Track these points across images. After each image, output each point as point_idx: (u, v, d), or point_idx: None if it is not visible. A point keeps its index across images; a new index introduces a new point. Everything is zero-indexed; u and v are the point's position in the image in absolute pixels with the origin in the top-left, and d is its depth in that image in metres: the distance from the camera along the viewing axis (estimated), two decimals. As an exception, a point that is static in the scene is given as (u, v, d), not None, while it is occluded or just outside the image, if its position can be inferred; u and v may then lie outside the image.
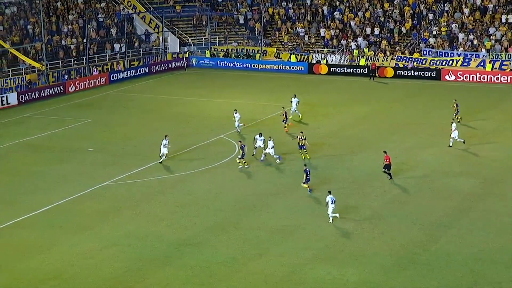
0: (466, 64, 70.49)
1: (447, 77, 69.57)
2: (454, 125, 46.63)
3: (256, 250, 31.22)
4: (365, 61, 73.24)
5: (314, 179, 39.82)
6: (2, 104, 58.67)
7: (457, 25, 74.71)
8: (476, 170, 41.98)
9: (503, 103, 59.77)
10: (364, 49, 74.96)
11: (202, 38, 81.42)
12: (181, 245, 31.83)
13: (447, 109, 57.89)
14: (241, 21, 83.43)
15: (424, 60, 71.79)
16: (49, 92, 63.01)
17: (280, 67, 75.50)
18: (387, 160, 39.70)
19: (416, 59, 72.03)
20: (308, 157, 43.46)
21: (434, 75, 70.02)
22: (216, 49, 79.54)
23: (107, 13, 78.91)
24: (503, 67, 69.04)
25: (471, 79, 68.92)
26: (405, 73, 70.91)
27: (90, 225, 34.22)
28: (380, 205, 36.73)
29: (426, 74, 70.31)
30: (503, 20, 73.84)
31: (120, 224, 34.54)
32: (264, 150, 43.22)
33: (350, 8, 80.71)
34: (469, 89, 66.00)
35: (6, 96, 59.38)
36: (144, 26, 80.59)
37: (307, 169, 37.40)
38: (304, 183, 37.59)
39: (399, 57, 72.75)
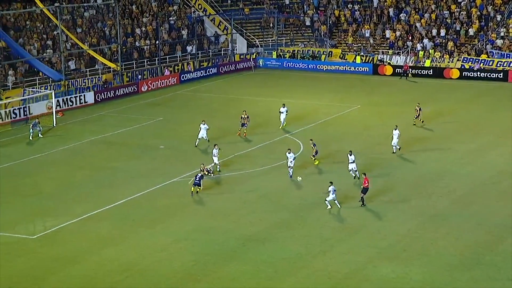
0: (533, 65, 68.91)
1: (513, 79, 68.13)
2: (396, 131, 44.75)
3: (320, 247, 31.09)
4: (431, 62, 72.23)
5: (377, 178, 39.50)
6: (80, 103, 59.79)
7: (524, 26, 73.05)
8: (542, 172, 41.01)
9: None
10: (430, 50, 73.91)
11: (269, 40, 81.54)
12: (247, 241, 31.91)
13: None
14: (308, 23, 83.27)
15: (491, 62, 70.39)
16: (123, 92, 63.96)
17: (345, 68, 75.08)
18: (366, 183, 35.87)
19: (483, 61, 70.68)
20: (317, 162, 42.52)
21: (501, 77, 68.62)
22: (282, 50, 79.57)
23: (179, 15, 79.72)
24: None
25: (538, 81, 67.38)
26: (471, 74, 69.72)
27: (161, 219, 34.61)
28: (445, 205, 36.18)
29: (493, 75, 68.97)
30: None
31: (189, 219, 34.85)
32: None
33: (416, 10, 79.69)
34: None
35: (84, 95, 60.49)
36: (213, 28, 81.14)
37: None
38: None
39: (465, 59, 71.51)
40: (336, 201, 35.19)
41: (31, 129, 49.48)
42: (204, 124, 46.41)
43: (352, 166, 39.57)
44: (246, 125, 48.86)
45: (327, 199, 35.17)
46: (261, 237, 32.21)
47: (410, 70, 71.13)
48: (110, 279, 28.53)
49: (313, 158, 42.49)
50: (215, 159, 41.25)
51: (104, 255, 30.68)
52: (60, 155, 45.96)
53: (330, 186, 35.04)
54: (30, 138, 49.33)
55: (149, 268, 29.35)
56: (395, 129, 44.86)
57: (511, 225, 33.36)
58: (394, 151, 44.80)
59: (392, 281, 27.92)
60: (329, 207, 35.09)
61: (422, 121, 51.52)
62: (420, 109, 51.36)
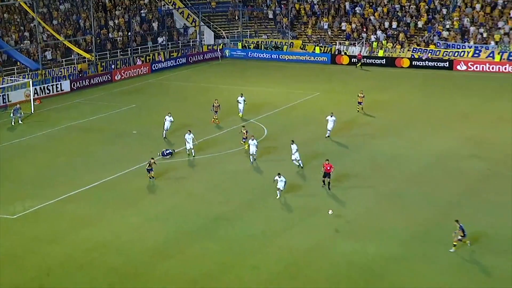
0: (476, 55, 69.54)
1: (458, 67, 68.72)
2: (331, 117, 43.98)
3: (282, 226, 31.15)
4: (384, 52, 72.59)
5: (334, 161, 39.60)
6: (56, 91, 59.08)
7: (468, 19, 73.70)
8: (485, 153, 41.43)
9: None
10: (383, 41, 74.28)
11: (234, 32, 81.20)
12: (216, 220, 31.85)
13: (458, 96, 57.37)
14: (270, 16, 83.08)
15: (438, 52, 70.98)
16: (98, 80, 63.33)
17: (306, 58, 75.12)
18: (328, 168, 35.04)
19: (431, 51, 71.24)
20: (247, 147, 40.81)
21: (447, 65, 69.24)
22: (247, 41, 79.30)
23: (150, 8, 78.98)
24: (510, 58, 68.01)
25: (481, 69, 68.01)
26: (420, 63, 70.25)
27: (134, 201, 34.40)
28: (397, 185, 36.44)
29: (440, 64, 69.57)
30: (511, 15, 72.69)
31: (160, 200, 34.68)
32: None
33: (370, 4, 79.95)
34: (479, 78, 65.17)
35: (60, 84, 59.79)
36: (182, 20, 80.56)
37: (461, 225, 28.53)
38: None
39: (415, 49, 71.99)
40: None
41: (12, 114, 48.81)
42: (169, 116, 44.65)
43: (295, 156, 37.95)
44: (217, 112, 48.39)
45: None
46: (229, 217, 32.18)
47: (362, 59, 71.17)
48: (87, 257, 28.33)
49: (243, 143, 41.74)
50: (189, 145, 40.82)
51: (81, 234, 30.43)
52: (39, 141, 45.43)
53: (277, 176, 33.85)
54: (12, 123, 48.65)
55: (123, 246, 29.19)
56: (331, 116, 44.10)
57: (457, 203, 33.78)
58: (327, 135, 44.08)
59: (349, 255, 28.09)
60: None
61: (362, 109, 50.93)
62: (363, 96, 51.17)
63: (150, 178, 36.48)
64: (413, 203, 33.71)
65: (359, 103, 51.12)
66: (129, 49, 70.62)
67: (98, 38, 68.76)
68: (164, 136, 44.56)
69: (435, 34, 73.52)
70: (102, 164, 39.96)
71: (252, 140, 39.59)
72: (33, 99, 54.14)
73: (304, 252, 28.59)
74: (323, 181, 35.38)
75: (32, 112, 52.52)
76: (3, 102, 53.89)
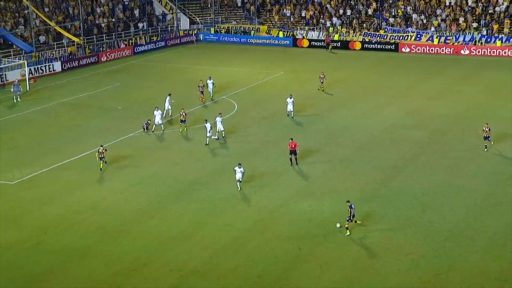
0: (418, 39, 69.93)
1: (403, 49, 69.08)
2: (290, 99, 42.57)
3: (250, 188, 31.34)
4: (339, 36, 72.60)
5: (296, 133, 39.78)
6: (49, 71, 58.20)
7: (411, 7, 73.99)
8: (425, 123, 41.99)
9: (449, 69, 59.56)
10: (338, 26, 74.26)
11: (208, 18, 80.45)
12: (191, 184, 31.92)
13: (402, 74, 57.82)
14: (239, 4, 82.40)
15: (385, 36, 71.18)
16: (86, 62, 62.47)
17: (270, 41, 74.81)
18: (293, 146, 33.81)
19: (379, 35, 71.45)
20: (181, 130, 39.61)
21: (393, 48, 69.52)
22: (219, 27, 78.67)
23: (132, -3, 77.80)
24: (447, 41, 68.59)
25: (422, 51, 68.49)
26: (370, 46, 70.45)
27: (120, 168, 34.25)
28: (350, 152, 36.80)
29: (387, 47, 69.81)
30: (447, 3, 73.17)
31: (143, 167, 34.59)
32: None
33: (327, -7, 79.69)
34: (420, 58, 65.65)
35: (52, 65, 58.89)
36: (161, 8, 79.54)
37: (352, 205, 26.79)
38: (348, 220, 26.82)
39: (366, 33, 72.13)
40: (239, 183, 30.90)
41: (12, 90, 48.05)
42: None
43: (209, 134, 35.29)
44: (203, 92, 47.36)
45: (237, 178, 30.77)
46: (203, 181, 32.25)
47: (331, 43, 70.80)
48: (78, 217, 28.29)
49: (181, 125, 39.92)
50: (157, 120, 39.79)
51: (72, 197, 30.34)
52: (33, 115, 44.84)
53: (237, 166, 30.83)
54: (14, 100, 47.90)
55: (110, 208, 29.19)
56: (290, 98, 42.80)
57: (401, 166, 34.25)
58: (292, 117, 42.59)
59: (308, 213, 28.44)
60: (239, 188, 30.82)
61: (323, 89, 50.61)
62: (324, 77, 51.16)
63: (103, 165, 33.27)
64: (362, 167, 34.13)
65: (321, 82, 50.92)
66: (113, 33, 69.66)
67: (85, 24, 67.66)
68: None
69: (383, 21, 73.73)
70: (90, 136, 39.65)
71: (219, 117, 38.56)
72: (28, 78, 53.30)
73: (270, 211, 28.87)
74: (290, 159, 34.11)
75: (28, 90, 51.74)
76: (1, 81, 52.99)
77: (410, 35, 70.33)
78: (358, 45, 70.88)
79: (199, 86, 47.69)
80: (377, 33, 71.80)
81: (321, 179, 32.65)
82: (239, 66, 62.22)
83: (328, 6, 77.58)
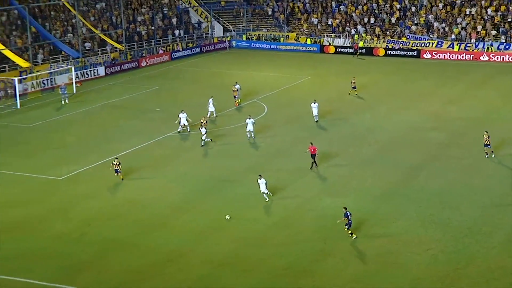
0: (439, 46, 69.03)
1: (424, 56, 68.26)
2: (314, 104, 41.71)
3: (279, 186, 31.30)
4: (363, 43, 72.11)
5: (323, 133, 39.62)
6: (93, 75, 58.94)
7: (433, 16, 73.12)
8: (444, 126, 41.49)
9: (468, 75, 58.71)
10: (362, 34, 73.76)
11: (240, 26, 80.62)
12: (222, 181, 32.01)
13: (423, 79, 57.19)
14: (270, 13, 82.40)
15: (408, 43, 70.43)
16: (127, 66, 63.09)
17: (299, 48, 74.63)
18: (312, 150, 33.03)
19: (402, 42, 70.74)
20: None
21: (415, 54, 68.77)
22: (250, 34, 78.77)
23: (170, 6, 78.36)
24: (467, 48, 67.60)
25: (443, 57, 67.61)
26: (393, 52, 69.82)
27: (157, 166, 34.55)
28: (372, 153, 36.56)
29: (409, 53, 69.09)
30: (467, 12, 72.11)
31: (178, 165, 34.83)
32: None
33: (352, 2, 79.23)
34: (441, 64, 64.80)
35: (97, 69, 59.61)
36: (197, 16, 79.94)
37: (348, 212, 25.69)
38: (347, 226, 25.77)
39: (389, 40, 71.47)
40: (265, 194, 29.34)
41: (60, 91, 48.70)
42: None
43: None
44: (237, 96, 47.01)
45: (262, 190, 29.14)
46: (233, 179, 32.30)
47: (359, 49, 70.17)
48: (118, 211, 28.64)
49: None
50: (183, 122, 39.72)
51: (113, 193, 30.74)
52: (79, 116, 45.46)
53: (259, 179, 29.23)
54: (62, 102, 48.57)
55: (147, 203, 29.44)
56: (314, 103, 42.00)
57: (421, 166, 33.89)
58: (317, 120, 41.83)
59: (332, 210, 28.28)
60: (267, 199, 29.30)
61: (356, 94, 50.04)
62: (355, 82, 50.41)
63: (122, 176, 31.95)
64: (383, 167, 33.86)
65: (353, 87, 50.06)
66: (153, 40, 70.27)
67: (127, 32, 68.38)
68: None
69: (405, 28, 72.99)
70: (130, 135, 40.02)
71: (249, 118, 38.46)
72: (75, 82, 54.06)
73: (296, 207, 28.84)
74: (312, 163, 33.30)
75: (74, 92, 52.48)
76: (51, 85, 53.88)
77: (432, 42, 69.47)
78: (381, 52, 70.30)
79: (233, 91, 47.75)
80: (400, 40, 71.12)
81: (344, 178, 32.49)
82: (269, 71, 62.23)
83: (353, 14, 77.16)
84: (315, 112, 42.20)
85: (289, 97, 50.61)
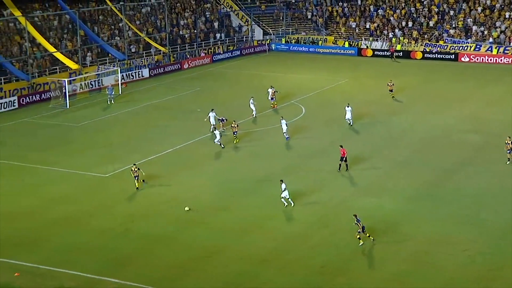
0: (477, 49, 67.61)
1: (462, 59, 67.00)
2: (349, 108, 40.88)
3: (315, 186, 31.26)
4: (401, 46, 71.21)
5: (359, 135, 39.28)
6: (138, 77, 59.81)
7: (471, 19, 71.64)
8: (481, 128, 40.67)
9: (506, 78, 57.36)
10: (400, 37, 72.84)
11: (279, 29, 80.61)
12: (260, 181, 32.07)
13: (461, 82, 56.16)
14: (309, 17, 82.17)
15: (446, 46, 69.22)
16: (170, 68, 63.82)
17: (337, 51, 74.21)
18: (343, 153, 32.49)
19: (440, 45, 69.57)
20: (237, 141, 37.81)
21: (453, 57, 67.56)
22: (289, 37, 78.69)
23: (211, 11, 78.92)
24: (506, 51, 66.03)
25: (481, 61, 66.22)
26: (430, 56, 68.72)
27: (197, 164, 34.86)
28: (408, 154, 36.14)
29: (447, 57, 67.92)
30: (507, 16, 70.41)
31: (218, 164, 35.09)
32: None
33: (390, 7, 78.33)
34: (479, 67, 63.54)
35: (141, 71, 60.48)
36: (237, 20, 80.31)
37: (358, 219, 24.92)
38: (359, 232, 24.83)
39: (427, 44, 70.39)
40: (289, 198, 28.53)
41: (107, 91, 49.64)
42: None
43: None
44: (274, 98, 46.94)
45: (282, 195, 28.42)
46: (270, 178, 32.22)
47: (395, 53, 69.53)
48: (160, 207, 29.00)
49: (234, 136, 38.00)
50: (212, 120, 39.81)
51: (155, 190, 31.06)
52: (124, 116, 46.18)
53: (281, 183, 28.55)
54: (108, 102, 49.43)
55: (188, 200, 29.64)
56: (348, 106, 41.16)
57: (457, 168, 33.37)
58: (351, 124, 41.14)
59: (368, 209, 28.08)
60: (286, 204, 28.50)
61: (393, 96, 49.39)
62: (392, 84, 50.06)
63: (140, 184, 30.83)
64: (419, 168, 33.43)
65: (390, 90, 49.43)
66: (195, 43, 70.90)
67: (171, 35, 69.20)
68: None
69: (443, 32, 71.76)
70: (173, 135, 40.44)
71: (282, 119, 38.31)
72: (121, 83, 54.96)
73: (332, 207, 28.72)
74: (339, 165, 32.73)
75: (120, 93, 53.36)
76: (98, 86, 54.93)
77: (470, 46, 68.12)
78: (419, 55, 69.29)
79: (268, 93, 47.70)
80: (438, 43, 69.97)
81: (379, 179, 32.18)
82: (307, 73, 62.05)
83: (391, 18, 76.29)
84: (348, 115, 41.47)
85: (327, 99, 50.36)
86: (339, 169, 32.87)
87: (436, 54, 68.52)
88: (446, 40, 70.21)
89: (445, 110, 45.76)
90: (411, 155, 35.77)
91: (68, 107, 48.26)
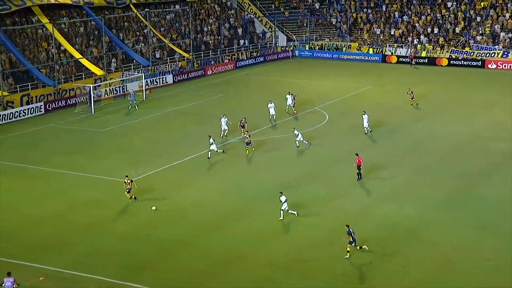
0: (505, 56, 66.76)
1: (489, 66, 66.21)
2: (365, 116, 40.33)
3: (338, 192, 31.15)
4: (426, 53, 70.66)
5: (383, 141, 39.03)
6: (162, 83, 60.36)
7: (499, 26, 70.77)
8: (508, 135, 40.10)
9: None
10: (425, 44, 72.30)
11: (303, 36, 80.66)
12: (282, 187, 31.91)
13: (487, 89, 55.50)
14: (333, 23, 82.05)
15: (472, 53, 68.49)
16: (194, 75, 64.25)
17: (361, 57, 73.96)
18: (358, 161, 32.04)
19: (466, 52, 68.86)
20: (248, 152, 37.24)
21: (479, 64, 66.80)
22: (313, 44, 78.69)
23: (236, 17, 79.35)
24: (534, 58, 65.16)
25: (508, 68, 65.33)
26: (456, 62, 68.07)
27: (220, 170, 35.00)
28: (433, 160, 35.82)
29: (473, 63, 67.19)
30: (536, 22, 69.52)
31: (239, 169, 35.17)
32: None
33: (416, 13, 77.83)
34: (506, 74, 62.70)
35: (165, 77, 61.02)
36: (261, 26, 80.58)
37: (350, 230, 24.44)
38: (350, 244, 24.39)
39: (453, 50, 69.75)
40: (289, 211, 28.06)
41: (128, 98, 50.22)
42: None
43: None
44: (295, 105, 47.12)
45: (282, 207, 27.87)
46: (292, 184, 32.27)
47: (415, 59, 69.18)
48: (182, 213, 29.20)
49: (246, 148, 37.45)
50: (223, 127, 40.25)
51: (178, 196, 31.24)
52: (148, 121, 46.60)
53: (281, 196, 28.07)
54: (130, 108, 49.89)
55: (210, 206, 29.82)
56: (364, 114, 40.61)
57: (482, 175, 33.00)
58: (366, 132, 40.59)
59: (392, 217, 27.94)
60: (282, 218, 27.86)
61: (416, 103, 48.86)
62: (412, 92, 49.49)
63: (132, 197, 29.98)
64: (444, 175, 33.12)
65: (411, 98, 48.85)
66: (218, 49, 71.33)
67: (195, 41, 69.73)
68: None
69: (470, 38, 71.03)
70: (196, 140, 40.57)
71: (294, 130, 38.24)
72: (145, 89, 55.52)
73: (355, 214, 28.57)
74: (358, 174, 32.30)
75: (144, 99, 53.90)
76: (122, 91, 55.55)
77: (497, 52, 67.30)
78: (444, 62, 68.69)
79: (286, 98, 47.54)
80: (464, 50, 69.26)
81: (404, 186, 31.95)
82: (331, 80, 61.93)
83: (417, 25, 75.79)
84: (365, 123, 40.91)
85: (350, 106, 50.20)
86: (358, 179, 32.32)
87: (462, 61, 67.85)
88: (473, 47, 69.48)
89: (471, 118, 45.27)
90: (436, 162, 35.45)
91: (93, 112, 48.89)
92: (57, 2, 59.50)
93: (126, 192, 30.03)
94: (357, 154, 32.63)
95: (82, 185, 32.56)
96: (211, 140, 36.52)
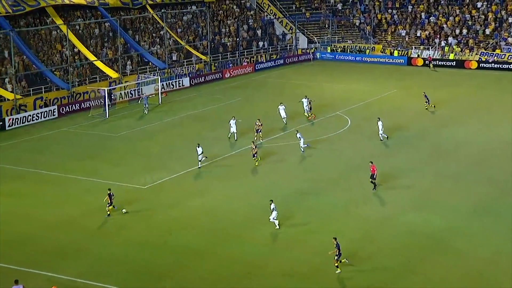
0: (538, 58, 66.17)
1: (522, 68, 65.68)
2: (380, 122, 40.34)
3: (361, 199, 31.02)
4: (454, 55, 70.18)
5: (408, 146, 38.76)
6: (178, 86, 60.66)
7: (531, 26, 70.15)
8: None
9: None
10: (454, 46, 71.80)
11: (325, 37, 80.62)
12: (303, 193, 32.02)
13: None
14: (356, 24, 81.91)
15: (503, 55, 67.87)
16: (212, 78, 64.50)
17: (385, 60, 73.69)
18: (373, 170, 31.71)
19: (497, 55, 68.25)
20: (256, 164, 36.55)
21: (511, 67, 66.13)
22: (335, 46, 78.63)
23: (255, 18, 79.58)
24: None
25: (541, 70, 64.75)
26: (486, 65, 67.52)
27: (236, 176, 35.00)
28: (461, 167, 35.53)
29: (504, 66, 66.62)
30: None
31: (259, 175, 35.15)
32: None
33: (443, 13, 77.37)
34: (539, 78, 62.11)
35: (182, 80, 61.30)
36: (281, 28, 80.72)
37: (338, 243, 24.05)
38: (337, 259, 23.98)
39: (483, 53, 69.20)
40: (276, 220, 27.71)
41: (140, 102, 50.61)
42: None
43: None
44: (311, 109, 47.20)
45: (271, 217, 27.69)
46: (312, 191, 32.24)
47: (433, 61, 69.00)
48: (198, 220, 29.24)
49: (254, 159, 36.98)
50: (233, 129, 41.03)
51: (193, 202, 31.31)
52: (164, 126, 46.82)
53: (271, 204, 27.89)
54: (145, 112, 50.23)
55: (227, 213, 29.80)
56: (379, 121, 40.64)
57: (514, 185, 32.59)
58: (381, 139, 40.44)
59: (418, 225, 27.74)
60: (277, 227, 27.71)
61: (433, 106, 48.69)
62: (426, 96, 48.80)
63: (111, 210, 29.53)
64: (474, 182, 32.83)
65: (427, 102, 48.63)
66: (237, 52, 71.57)
67: (212, 43, 70.02)
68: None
69: (501, 40, 70.39)
70: (212, 146, 40.52)
71: (297, 133, 38.52)
72: (161, 92, 55.83)
73: (379, 222, 28.42)
74: (373, 183, 31.79)
75: (160, 103, 54.20)
76: (138, 95, 55.90)
77: (529, 55, 66.67)
78: (474, 64, 68.18)
79: (301, 102, 47.52)
80: (495, 52, 68.66)
81: (432, 193, 31.72)
82: (354, 84, 61.76)
83: (444, 26, 75.30)
84: (380, 130, 40.60)
85: (374, 111, 49.95)
86: (374, 188, 31.78)
87: (493, 64, 67.28)
88: (504, 49, 68.84)
89: (501, 123, 44.83)
90: (465, 169, 35.15)
91: (107, 117, 49.27)
92: (71, 3, 60.25)
93: (107, 206, 29.47)
94: (371, 162, 32.25)
95: (96, 191, 32.79)
96: (199, 149, 35.89)
